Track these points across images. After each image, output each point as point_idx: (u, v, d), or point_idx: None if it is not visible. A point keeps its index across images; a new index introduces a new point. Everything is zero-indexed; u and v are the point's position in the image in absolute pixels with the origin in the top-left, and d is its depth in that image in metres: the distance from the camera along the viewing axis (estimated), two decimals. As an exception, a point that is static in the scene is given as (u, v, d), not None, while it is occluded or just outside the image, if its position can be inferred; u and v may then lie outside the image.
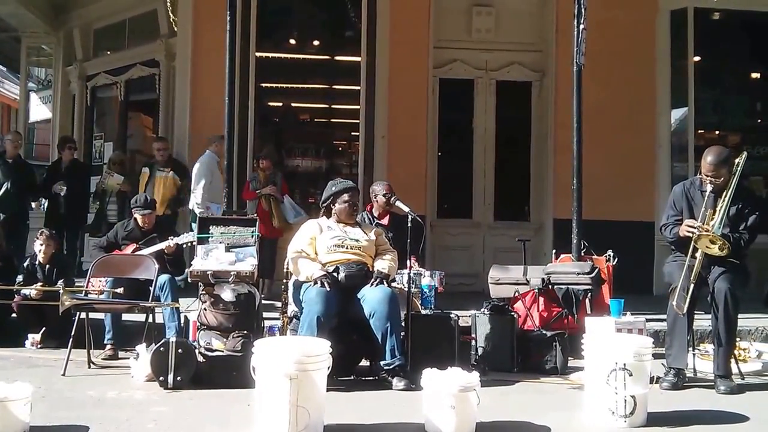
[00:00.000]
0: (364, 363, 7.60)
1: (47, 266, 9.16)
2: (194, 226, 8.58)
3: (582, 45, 9.11)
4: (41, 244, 9.16)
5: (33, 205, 13.73)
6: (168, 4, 8.94)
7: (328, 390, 5.53)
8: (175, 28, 10.55)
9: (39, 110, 18.41)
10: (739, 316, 7.10)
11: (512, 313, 8.35)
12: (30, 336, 8.79)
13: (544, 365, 7.89)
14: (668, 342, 7.22)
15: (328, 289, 7.10)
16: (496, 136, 13.00)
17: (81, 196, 12.30)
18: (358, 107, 12.33)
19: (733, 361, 7.22)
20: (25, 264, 9.22)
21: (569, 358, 7.96)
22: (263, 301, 8.58)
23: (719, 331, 6.94)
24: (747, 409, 6.35)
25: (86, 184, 12.52)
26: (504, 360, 7.98)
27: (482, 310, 8.29)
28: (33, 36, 16.12)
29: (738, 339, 7.54)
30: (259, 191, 11.04)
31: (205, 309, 7.40)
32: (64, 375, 7.38)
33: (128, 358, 7.69)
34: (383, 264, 7.53)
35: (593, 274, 8.74)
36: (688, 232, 7.03)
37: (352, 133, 12.73)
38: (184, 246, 8.92)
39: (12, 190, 11.44)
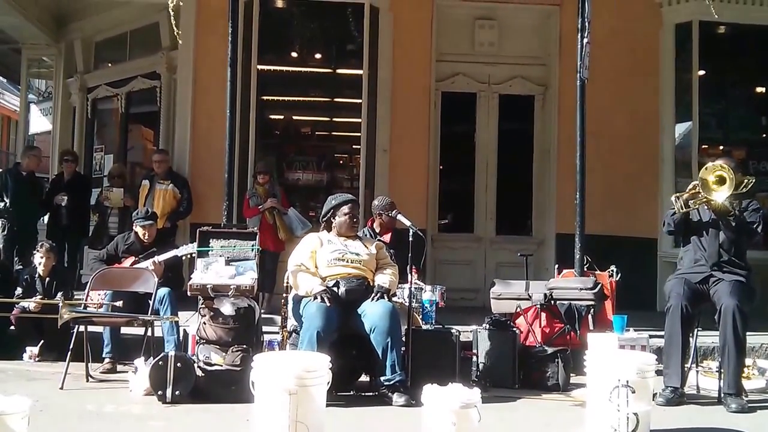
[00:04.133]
0: (364, 378, 7.56)
1: (47, 279, 9.13)
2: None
3: (585, 59, 9.08)
4: (41, 257, 9.14)
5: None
6: (171, 16, 8.88)
7: (327, 405, 5.47)
8: (180, 41, 10.48)
9: (39, 122, 18.42)
10: (744, 332, 7.06)
11: (514, 329, 8.31)
12: (28, 349, 8.73)
13: (546, 382, 7.85)
14: (665, 361, 7.20)
15: (329, 304, 7.06)
16: (499, 149, 12.95)
17: (82, 208, 12.26)
18: (359, 120, 12.24)
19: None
20: (25, 276, 9.19)
21: (571, 375, 7.92)
22: (263, 315, 8.53)
23: (728, 348, 6.91)
24: (750, 426, 6.33)
25: (88, 197, 12.48)
26: (505, 376, 7.93)
27: (483, 325, 8.26)
28: (34, 48, 16.07)
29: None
30: (261, 207, 10.96)
31: (204, 323, 7.37)
32: (62, 388, 7.34)
33: (127, 372, 7.66)
34: (384, 278, 7.50)
35: (596, 290, 8.70)
36: (693, 184, 7.21)
37: (354, 147, 12.64)
38: (183, 258, 8.88)
39: (25, 204, 11.45)
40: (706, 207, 7.19)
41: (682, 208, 7.32)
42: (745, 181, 7.28)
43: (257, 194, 11.05)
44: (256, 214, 10.92)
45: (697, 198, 7.19)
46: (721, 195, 6.95)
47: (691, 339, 7.26)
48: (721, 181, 6.96)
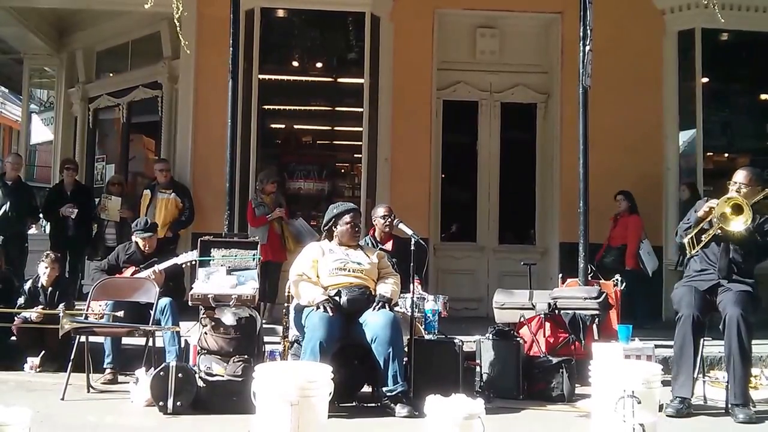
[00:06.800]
0: (367, 389, 7.51)
1: (50, 289, 9.10)
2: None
3: (588, 66, 9.03)
4: (46, 267, 9.11)
5: (33, 228, 13.59)
6: (178, 26, 8.87)
7: (329, 416, 5.43)
8: (188, 51, 10.46)
9: (41, 132, 18.39)
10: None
11: (518, 339, 8.25)
12: (29, 359, 8.71)
13: (550, 392, 7.80)
14: (675, 370, 7.14)
15: (331, 314, 7.03)
16: (501, 158, 12.94)
17: (86, 218, 12.19)
18: (361, 129, 12.23)
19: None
20: (27, 286, 9.15)
21: (576, 385, 7.87)
22: (264, 326, 8.49)
23: (733, 358, 6.85)
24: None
25: (91, 207, 12.43)
26: (509, 387, 7.88)
27: (487, 335, 8.21)
28: (35, 58, 16.07)
29: (749, 366, 7.43)
30: (270, 216, 10.90)
31: (205, 333, 7.35)
32: (63, 399, 7.31)
33: (128, 383, 7.65)
34: (386, 288, 7.45)
35: (600, 299, 8.63)
36: (708, 207, 7.08)
37: (355, 156, 12.63)
38: (184, 267, 8.84)
39: (11, 212, 11.35)
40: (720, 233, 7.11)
41: (694, 246, 7.28)
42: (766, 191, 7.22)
43: (264, 203, 10.99)
44: (264, 223, 10.85)
45: (711, 229, 7.12)
46: (737, 225, 6.90)
47: (699, 349, 7.21)
48: (737, 209, 6.91)
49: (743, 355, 6.84)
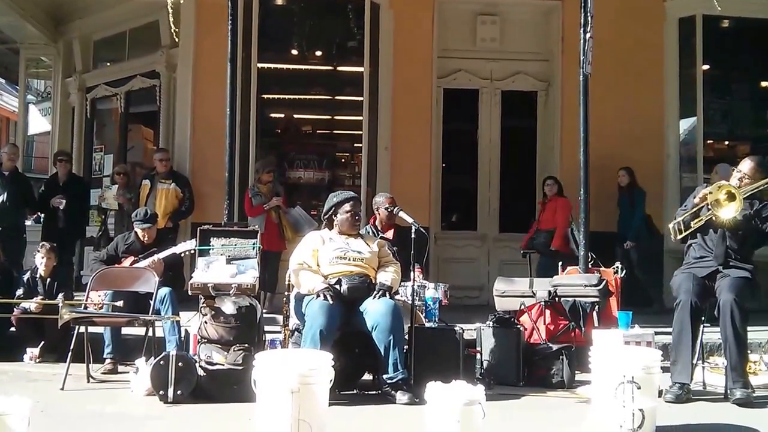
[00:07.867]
0: (367, 377, 7.51)
1: (48, 279, 9.10)
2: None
3: (588, 54, 9.00)
4: (42, 257, 9.10)
5: (29, 219, 13.57)
6: (170, 14, 8.83)
7: (330, 404, 5.43)
8: (177, 39, 10.44)
9: (38, 122, 18.23)
10: (749, 328, 7.00)
11: (518, 326, 8.24)
12: (29, 350, 8.69)
13: (550, 379, 7.80)
14: (673, 356, 7.15)
15: (331, 302, 7.02)
16: (501, 146, 12.91)
17: (79, 209, 12.18)
18: (361, 118, 12.22)
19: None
20: (26, 277, 9.15)
21: (576, 372, 7.85)
22: (265, 315, 8.48)
23: (729, 344, 6.88)
24: (758, 421, 6.25)
25: (84, 198, 12.43)
26: (510, 373, 7.87)
27: (487, 323, 8.19)
28: (32, 47, 16.03)
29: (749, 351, 7.40)
30: (267, 206, 10.89)
31: (205, 322, 7.32)
32: (63, 389, 7.30)
33: (128, 372, 7.63)
34: (386, 276, 7.44)
35: (600, 287, 8.63)
36: (703, 193, 7.08)
37: (355, 145, 12.63)
38: (183, 256, 8.82)
39: (8, 203, 11.34)
40: (713, 218, 7.10)
41: (683, 231, 7.29)
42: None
43: (261, 193, 10.97)
44: (261, 212, 10.84)
45: (703, 215, 7.12)
46: (728, 212, 6.89)
47: (698, 335, 7.21)
48: (731, 196, 6.90)
49: (738, 340, 6.85)
